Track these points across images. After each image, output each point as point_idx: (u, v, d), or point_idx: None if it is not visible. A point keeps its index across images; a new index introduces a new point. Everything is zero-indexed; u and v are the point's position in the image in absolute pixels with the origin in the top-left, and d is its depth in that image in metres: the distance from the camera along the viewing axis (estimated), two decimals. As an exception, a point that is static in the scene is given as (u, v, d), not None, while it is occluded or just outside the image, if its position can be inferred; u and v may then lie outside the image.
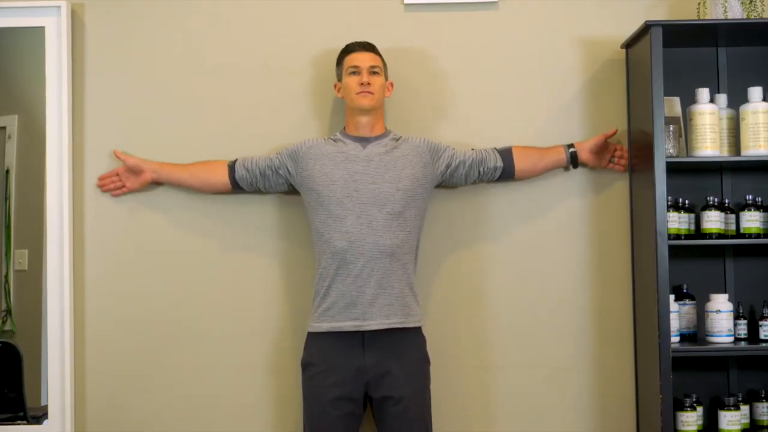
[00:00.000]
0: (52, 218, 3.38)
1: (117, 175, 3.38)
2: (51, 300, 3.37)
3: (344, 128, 3.28)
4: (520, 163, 3.31)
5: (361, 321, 3.09)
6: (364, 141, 3.21)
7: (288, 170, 3.24)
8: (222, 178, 3.30)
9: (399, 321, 3.11)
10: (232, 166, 3.30)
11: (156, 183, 3.38)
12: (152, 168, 3.35)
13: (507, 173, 3.31)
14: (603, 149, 3.38)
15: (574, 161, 3.36)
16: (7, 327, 3.42)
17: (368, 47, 3.25)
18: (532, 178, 3.37)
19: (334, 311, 3.10)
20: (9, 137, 3.47)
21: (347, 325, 3.08)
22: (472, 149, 3.30)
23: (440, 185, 3.31)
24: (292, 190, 3.31)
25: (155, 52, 3.46)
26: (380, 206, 3.11)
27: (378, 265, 3.09)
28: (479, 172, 3.28)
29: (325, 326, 3.11)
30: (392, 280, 3.11)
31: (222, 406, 3.40)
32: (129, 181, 3.38)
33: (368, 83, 3.19)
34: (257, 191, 3.33)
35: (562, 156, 3.35)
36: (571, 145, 3.36)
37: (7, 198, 3.44)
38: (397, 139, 3.23)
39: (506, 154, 3.30)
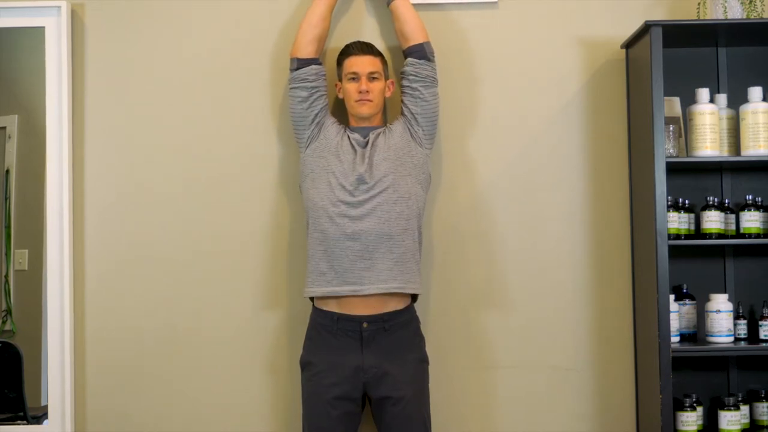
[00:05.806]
0: (52, 218, 3.38)
1: None
2: (51, 300, 3.37)
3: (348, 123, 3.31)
4: (410, 39, 3.27)
5: (358, 286, 3.08)
6: (365, 130, 3.24)
7: (316, 121, 3.22)
8: (306, 50, 3.24)
9: (398, 286, 3.10)
10: (317, 62, 3.25)
11: None
12: None
13: (417, 48, 3.26)
14: None
15: None
16: (7, 327, 3.42)
17: (367, 49, 3.25)
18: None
19: (330, 276, 3.10)
20: (9, 137, 3.47)
21: (345, 290, 3.08)
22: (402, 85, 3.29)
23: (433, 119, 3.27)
24: (289, 140, 3.33)
25: (155, 52, 3.46)
26: (377, 180, 3.12)
27: (376, 234, 3.09)
28: (418, 79, 3.24)
29: (320, 291, 3.10)
30: (391, 246, 3.10)
31: (222, 406, 3.40)
32: None
33: (367, 91, 3.20)
34: (293, 87, 3.24)
35: None
36: None
37: (7, 198, 3.44)
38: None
39: (407, 51, 3.28)
